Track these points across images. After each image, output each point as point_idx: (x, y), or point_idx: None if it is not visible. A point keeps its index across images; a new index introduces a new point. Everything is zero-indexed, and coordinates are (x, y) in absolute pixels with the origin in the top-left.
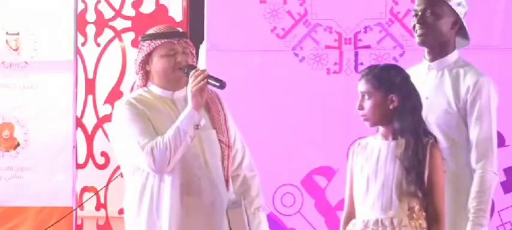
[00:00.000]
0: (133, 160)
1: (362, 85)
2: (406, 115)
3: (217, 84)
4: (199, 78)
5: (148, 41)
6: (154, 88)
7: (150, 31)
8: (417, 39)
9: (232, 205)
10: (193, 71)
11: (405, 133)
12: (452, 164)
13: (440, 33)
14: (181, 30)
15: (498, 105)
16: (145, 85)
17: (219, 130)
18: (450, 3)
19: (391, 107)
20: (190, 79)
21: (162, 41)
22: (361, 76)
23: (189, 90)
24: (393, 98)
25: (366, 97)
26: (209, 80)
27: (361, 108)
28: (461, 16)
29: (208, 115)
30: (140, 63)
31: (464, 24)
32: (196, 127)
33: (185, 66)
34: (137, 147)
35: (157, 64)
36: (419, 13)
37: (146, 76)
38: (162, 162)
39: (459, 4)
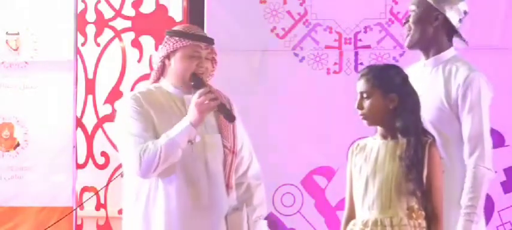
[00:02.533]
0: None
1: (361, 85)
2: (407, 115)
3: (228, 118)
4: (212, 103)
5: (177, 38)
6: (166, 85)
7: (179, 28)
8: (405, 43)
9: (233, 211)
10: (206, 89)
11: (406, 132)
12: (446, 160)
13: (423, 33)
14: (207, 35)
15: (498, 105)
16: (158, 80)
17: (225, 135)
18: (430, 1)
19: (390, 107)
20: (198, 95)
21: (190, 42)
22: (361, 76)
23: (194, 103)
24: (393, 98)
25: (365, 96)
26: (220, 108)
27: (360, 107)
28: (447, 14)
29: (216, 119)
30: (162, 57)
31: (451, 19)
32: (190, 142)
33: (194, 75)
34: (133, 144)
35: (178, 63)
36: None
37: (162, 70)
38: (147, 168)
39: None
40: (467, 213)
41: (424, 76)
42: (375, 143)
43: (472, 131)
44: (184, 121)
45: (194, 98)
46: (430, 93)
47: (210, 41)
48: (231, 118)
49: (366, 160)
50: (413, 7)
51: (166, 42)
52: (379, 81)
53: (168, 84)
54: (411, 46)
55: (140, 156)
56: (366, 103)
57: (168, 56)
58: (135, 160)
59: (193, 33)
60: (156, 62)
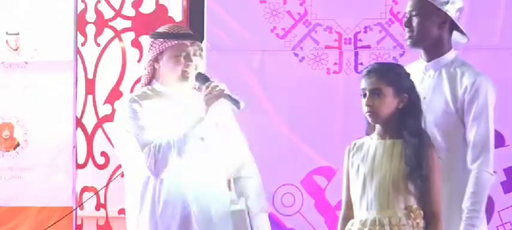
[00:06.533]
0: (135, 158)
1: (373, 82)
2: (417, 115)
3: (235, 105)
4: (215, 93)
5: (161, 40)
6: (158, 86)
7: (163, 29)
8: (407, 43)
9: (234, 206)
10: (209, 82)
11: (416, 133)
12: (450, 164)
13: (427, 34)
14: (191, 32)
15: (497, 105)
16: (149, 83)
17: (222, 130)
18: (435, 3)
19: (400, 106)
20: (206, 90)
21: (176, 41)
22: (371, 73)
23: (202, 99)
24: (403, 98)
25: (377, 93)
26: (226, 96)
27: (370, 104)
28: (450, 14)
29: None
30: (150, 60)
31: (456, 21)
32: (202, 138)
33: (199, 74)
34: (138, 145)
35: (167, 63)
36: (407, 16)
37: (152, 73)
38: (163, 164)
39: (447, 2)
40: (469, 217)
41: (427, 79)
42: (372, 142)
43: (478, 137)
44: (195, 117)
45: (202, 94)
46: (435, 96)
47: (195, 37)
48: (238, 104)
49: (363, 160)
50: (415, 12)
51: (152, 45)
52: (392, 80)
53: (159, 85)
54: (414, 45)
55: (155, 154)
56: (377, 100)
57: (156, 59)
58: (148, 159)
59: (177, 32)
60: (145, 67)
